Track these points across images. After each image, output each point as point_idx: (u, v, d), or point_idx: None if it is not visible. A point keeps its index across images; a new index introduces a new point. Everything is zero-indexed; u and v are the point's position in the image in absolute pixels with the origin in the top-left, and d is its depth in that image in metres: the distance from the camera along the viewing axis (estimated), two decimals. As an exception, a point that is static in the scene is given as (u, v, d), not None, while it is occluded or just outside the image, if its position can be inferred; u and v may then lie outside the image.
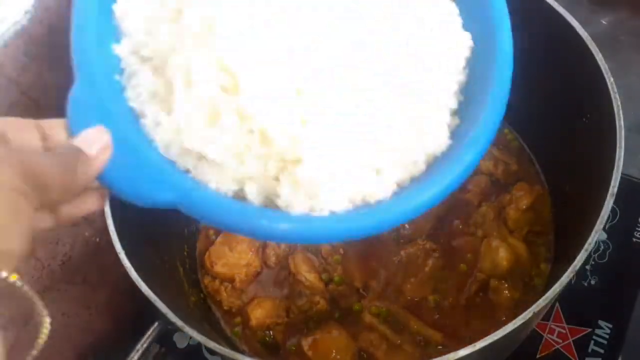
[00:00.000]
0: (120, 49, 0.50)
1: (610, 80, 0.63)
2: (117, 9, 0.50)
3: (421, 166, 0.50)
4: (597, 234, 0.58)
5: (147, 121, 0.48)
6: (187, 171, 0.48)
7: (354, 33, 0.49)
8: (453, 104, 0.52)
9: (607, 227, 0.83)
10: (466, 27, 0.54)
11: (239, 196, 0.48)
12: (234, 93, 0.46)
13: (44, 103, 0.65)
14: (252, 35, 0.46)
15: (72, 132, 0.43)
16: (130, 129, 0.45)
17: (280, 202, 0.47)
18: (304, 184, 0.46)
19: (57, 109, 0.66)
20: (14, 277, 0.34)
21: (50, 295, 0.69)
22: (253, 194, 0.47)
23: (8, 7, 0.58)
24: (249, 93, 0.45)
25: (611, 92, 0.63)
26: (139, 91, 0.49)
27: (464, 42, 0.53)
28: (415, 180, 0.50)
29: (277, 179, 0.47)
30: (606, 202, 0.59)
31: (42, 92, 0.64)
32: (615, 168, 0.60)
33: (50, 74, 0.64)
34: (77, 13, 0.48)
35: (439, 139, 0.51)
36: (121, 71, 0.50)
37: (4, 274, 0.33)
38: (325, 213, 0.46)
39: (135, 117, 0.48)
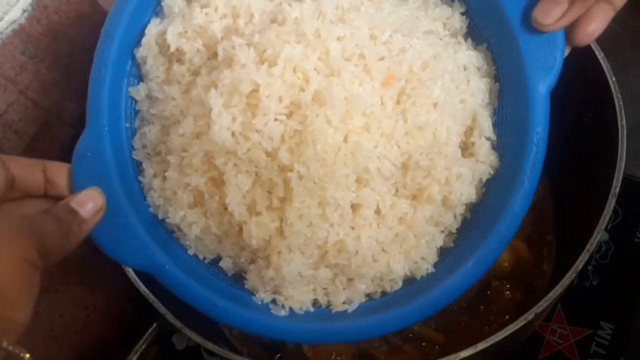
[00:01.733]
0: (136, 93, 0.50)
1: (612, 79, 0.63)
2: (138, 53, 0.50)
3: (398, 283, 0.50)
4: (599, 235, 0.58)
5: (144, 180, 0.50)
6: (173, 231, 0.50)
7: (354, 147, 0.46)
8: (454, 228, 0.51)
9: (609, 227, 0.82)
10: (497, 146, 0.51)
11: (216, 262, 0.51)
12: (221, 187, 0.47)
13: (43, 102, 0.65)
14: (243, 141, 0.45)
15: (73, 187, 0.45)
16: (124, 193, 0.47)
17: (247, 285, 0.50)
18: (267, 282, 0.48)
19: (55, 108, 0.66)
20: (27, 355, 0.34)
21: (48, 296, 0.68)
22: (228, 267, 0.50)
23: (5, 6, 0.58)
24: (233, 194, 0.46)
25: (613, 92, 0.63)
26: (145, 142, 0.50)
27: (488, 164, 0.50)
28: (386, 297, 0.50)
29: (249, 263, 0.50)
30: (608, 202, 0.59)
31: (41, 91, 0.64)
32: (617, 168, 0.60)
33: (48, 72, 0.64)
34: (97, 57, 0.49)
35: (423, 265, 0.50)
36: (136, 113, 0.51)
37: (18, 349, 0.33)
38: (285, 310, 0.49)
39: (135, 170, 0.50)
